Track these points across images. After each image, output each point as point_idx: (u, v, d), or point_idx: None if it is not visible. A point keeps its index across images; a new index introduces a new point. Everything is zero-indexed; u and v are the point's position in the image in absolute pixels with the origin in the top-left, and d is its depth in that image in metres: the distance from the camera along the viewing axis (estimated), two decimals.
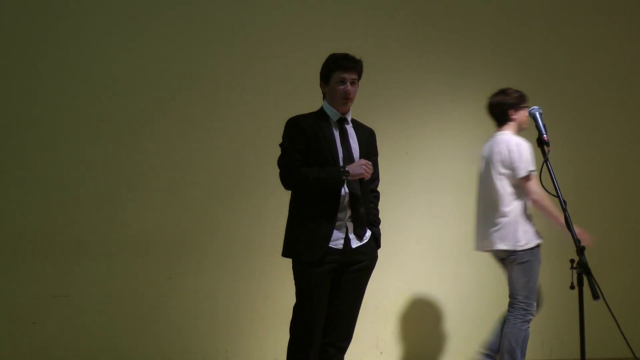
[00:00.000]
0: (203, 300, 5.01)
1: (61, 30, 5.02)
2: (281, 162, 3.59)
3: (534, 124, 3.17)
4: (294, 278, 3.60)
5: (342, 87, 3.52)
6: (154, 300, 4.99)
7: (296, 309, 3.58)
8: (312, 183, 3.45)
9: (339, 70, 3.52)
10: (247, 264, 5.04)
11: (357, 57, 3.60)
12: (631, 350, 3.28)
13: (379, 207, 3.80)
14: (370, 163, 3.48)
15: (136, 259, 4.97)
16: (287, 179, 3.55)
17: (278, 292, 4.91)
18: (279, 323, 4.80)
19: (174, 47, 5.14)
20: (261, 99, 5.14)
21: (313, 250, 3.47)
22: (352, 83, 3.53)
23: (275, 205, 4.85)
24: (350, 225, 3.52)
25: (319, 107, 3.67)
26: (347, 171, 3.42)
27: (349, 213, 3.51)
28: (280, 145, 3.61)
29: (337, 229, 3.50)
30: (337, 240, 3.50)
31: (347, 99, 3.53)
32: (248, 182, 5.07)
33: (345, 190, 3.48)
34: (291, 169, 3.52)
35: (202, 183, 5.07)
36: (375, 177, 3.74)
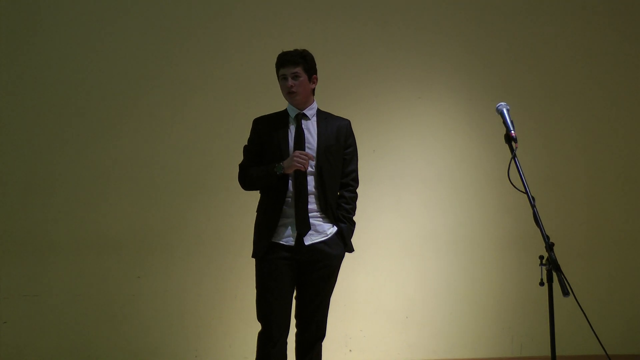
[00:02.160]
0: (172, 299, 4.99)
1: (24, 29, 4.98)
2: (239, 164, 3.75)
3: (502, 120, 3.15)
4: None
5: (283, 82, 3.62)
6: (123, 299, 4.96)
7: (256, 305, 3.63)
8: (254, 181, 3.60)
9: (280, 67, 3.63)
10: (216, 263, 5.02)
11: (302, 49, 3.67)
12: (602, 346, 3.28)
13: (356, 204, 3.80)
14: (305, 154, 3.45)
15: (105, 258, 4.94)
16: (240, 179, 3.70)
17: (246, 290, 4.85)
18: (248, 321, 4.77)
19: (139, 47, 5.09)
20: (228, 98, 5.11)
21: (258, 247, 3.59)
22: (295, 77, 3.59)
23: (242, 204, 4.84)
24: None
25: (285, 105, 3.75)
26: (281, 165, 3.47)
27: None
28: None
29: (284, 226, 3.54)
30: (287, 237, 3.53)
31: (290, 93, 3.59)
32: (215, 181, 5.03)
33: (290, 187, 3.53)
34: (242, 170, 3.68)
35: (170, 182, 5.03)
36: (351, 170, 3.75)
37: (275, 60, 3.66)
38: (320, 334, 3.70)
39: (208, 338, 5.00)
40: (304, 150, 3.55)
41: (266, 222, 3.56)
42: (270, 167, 3.50)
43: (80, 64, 5.02)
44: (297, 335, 3.71)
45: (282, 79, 3.61)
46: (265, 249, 3.53)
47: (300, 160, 3.41)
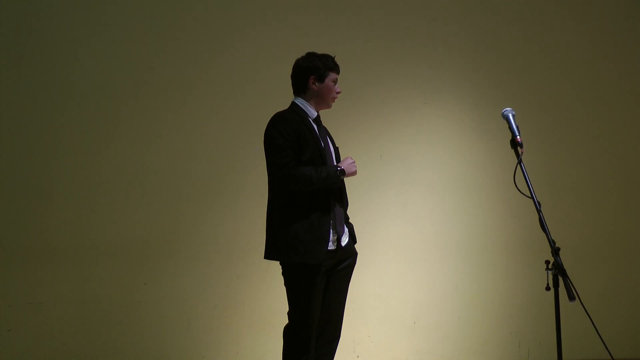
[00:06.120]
0: (179, 306, 4.98)
1: (32, 30, 4.99)
2: (276, 162, 3.41)
3: (507, 126, 3.16)
4: (290, 282, 3.49)
5: (332, 87, 3.61)
6: (129, 306, 4.94)
7: (295, 314, 3.48)
8: (314, 183, 3.36)
9: (335, 71, 3.63)
10: (223, 269, 5.00)
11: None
12: (608, 350, 3.28)
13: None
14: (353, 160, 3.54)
15: (111, 264, 4.92)
16: (286, 180, 3.37)
17: (254, 296, 4.91)
18: (256, 327, 4.79)
19: (144, 51, 5.10)
20: (236, 103, 5.11)
21: (315, 253, 3.38)
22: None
23: (250, 208, 4.85)
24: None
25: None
26: (343, 170, 3.46)
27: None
28: (272, 142, 3.45)
29: (331, 230, 3.46)
30: (332, 242, 3.47)
31: (334, 99, 3.64)
32: (223, 186, 5.03)
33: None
34: (290, 169, 3.36)
35: (176, 188, 5.02)
36: None
37: (326, 62, 3.62)
38: (337, 334, 3.67)
39: (216, 344, 4.99)
40: (331, 151, 3.60)
41: (318, 228, 3.40)
42: (332, 171, 3.43)
43: (84, 68, 5.02)
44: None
45: (334, 83, 3.62)
46: (323, 256, 3.40)
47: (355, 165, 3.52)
